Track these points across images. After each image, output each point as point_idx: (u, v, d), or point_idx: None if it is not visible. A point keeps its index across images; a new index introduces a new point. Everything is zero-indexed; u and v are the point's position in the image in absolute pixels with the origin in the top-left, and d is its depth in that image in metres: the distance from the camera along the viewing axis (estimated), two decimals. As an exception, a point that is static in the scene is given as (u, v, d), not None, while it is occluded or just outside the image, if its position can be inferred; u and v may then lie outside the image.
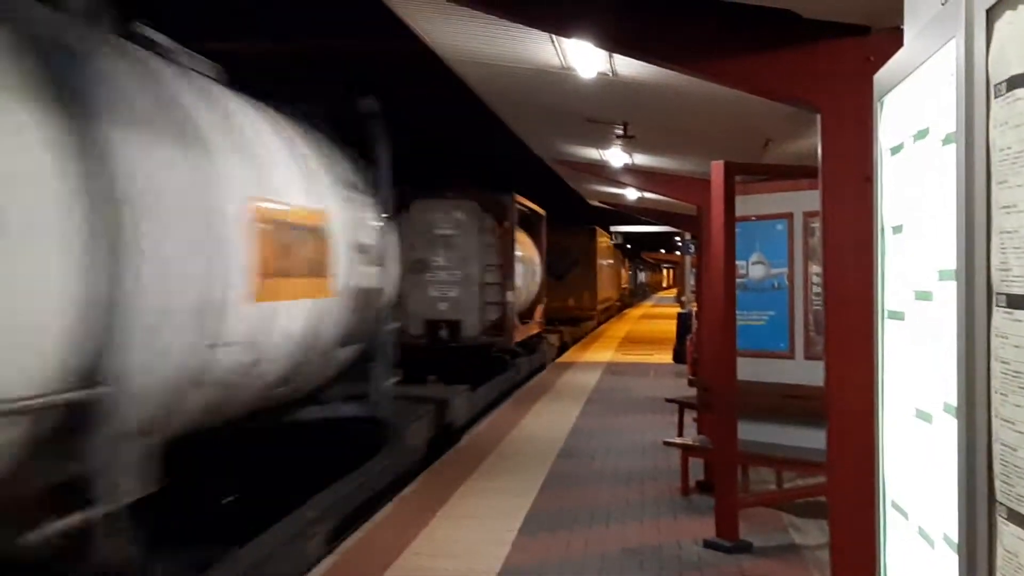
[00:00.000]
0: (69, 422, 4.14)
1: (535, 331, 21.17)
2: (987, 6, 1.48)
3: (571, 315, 28.28)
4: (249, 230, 6.01)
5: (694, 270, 24.14)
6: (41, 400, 3.92)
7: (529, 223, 20.66)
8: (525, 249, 19.64)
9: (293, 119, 8.13)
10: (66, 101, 4.17)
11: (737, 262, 7.65)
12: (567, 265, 27.55)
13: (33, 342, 3.94)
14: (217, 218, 5.64)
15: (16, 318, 3.84)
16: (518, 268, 18.20)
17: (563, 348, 25.87)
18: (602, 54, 7.10)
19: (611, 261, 38.74)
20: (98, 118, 4.35)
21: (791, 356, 8.20)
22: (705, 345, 12.13)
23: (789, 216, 8.20)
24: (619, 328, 37.54)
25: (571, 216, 27.94)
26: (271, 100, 7.79)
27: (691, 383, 12.28)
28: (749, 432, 7.64)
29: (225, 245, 5.71)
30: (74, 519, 4.14)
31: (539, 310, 21.94)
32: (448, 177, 16.20)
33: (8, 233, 3.76)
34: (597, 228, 32.44)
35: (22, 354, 3.89)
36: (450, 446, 11.49)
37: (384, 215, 9.48)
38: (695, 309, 18.86)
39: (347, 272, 8.10)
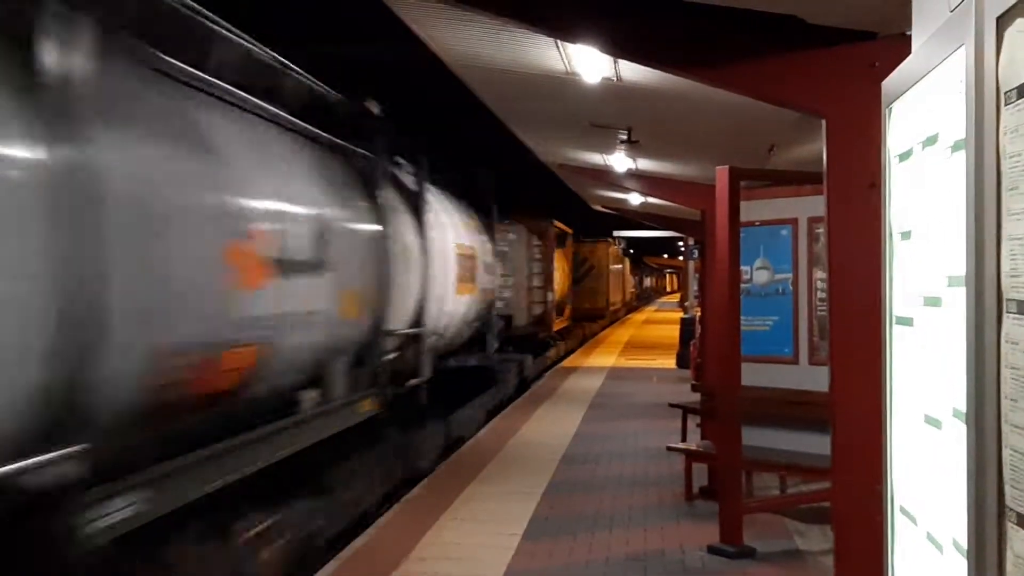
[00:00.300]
0: (410, 342, 9.53)
1: (566, 324, 27.15)
2: (997, 14, 1.48)
3: (588, 314, 32.89)
4: (454, 259, 11.98)
5: (697, 275, 24.21)
6: (405, 331, 9.27)
7: (561, 239, 25.79)
8: (559, 261, 25.03)
9: (453, 190, 13.87)
10: (415, 211, 9.98)
11: (741, 267, 7.65)
12: (584, 272, 32.19)
13: (407, 308, 9.36)
14: (446, 253, 11.52)
15: (405, 301, 9.19)
16: (554, 275, 23.65)
17: (584, 339, 31.83)
18: (606, 59, 7.11)
19: (620, 267, 43.05)
20: (424, 216, 10.19)
21: (795, 361, 8.19)
22: (709, 350, 12.12)
23: (794, 221, 8.19)
24: (622, 333, 37.54)
25: (582, 224, 31.02)
26: (438, 177, 12.69)
27: (695, 388, 12.26)
28: (753, 437, 7.63)
29: (448, 266, 11.59)
30: (415, 381, 9.57)
31: (567, 308, 27.70)
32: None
33: (409, 267, 9.31)
34: (609, 239, 36.19)
35: (403, 313, 9.16)
36: (526, 388, 18.15)
37: (494, 244, 15.68)
38: (698, 314, 18.86)
39: (481, 279, 14.07)
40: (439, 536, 7.59)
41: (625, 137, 10.43)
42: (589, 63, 7.40)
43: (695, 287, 25.76)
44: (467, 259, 12.96)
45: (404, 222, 9.61)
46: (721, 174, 7.20)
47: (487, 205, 15.49)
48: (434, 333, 10.81)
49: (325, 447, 7.21)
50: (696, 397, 11.28)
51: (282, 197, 6.45)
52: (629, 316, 52.30)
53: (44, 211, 3.79)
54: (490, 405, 14.79)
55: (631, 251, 51.56)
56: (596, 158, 13.51)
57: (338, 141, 8.16)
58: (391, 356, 8.91)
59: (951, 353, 1.77)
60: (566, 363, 24.20)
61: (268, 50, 6.84)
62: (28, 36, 3.81)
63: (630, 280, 56.30)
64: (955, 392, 1.73)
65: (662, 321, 43.53)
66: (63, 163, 3.88)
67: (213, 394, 5.43)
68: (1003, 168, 1.49)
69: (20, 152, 3.75)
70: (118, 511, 4.30)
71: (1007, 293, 1.47)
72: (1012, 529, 1.46)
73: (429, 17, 6.92)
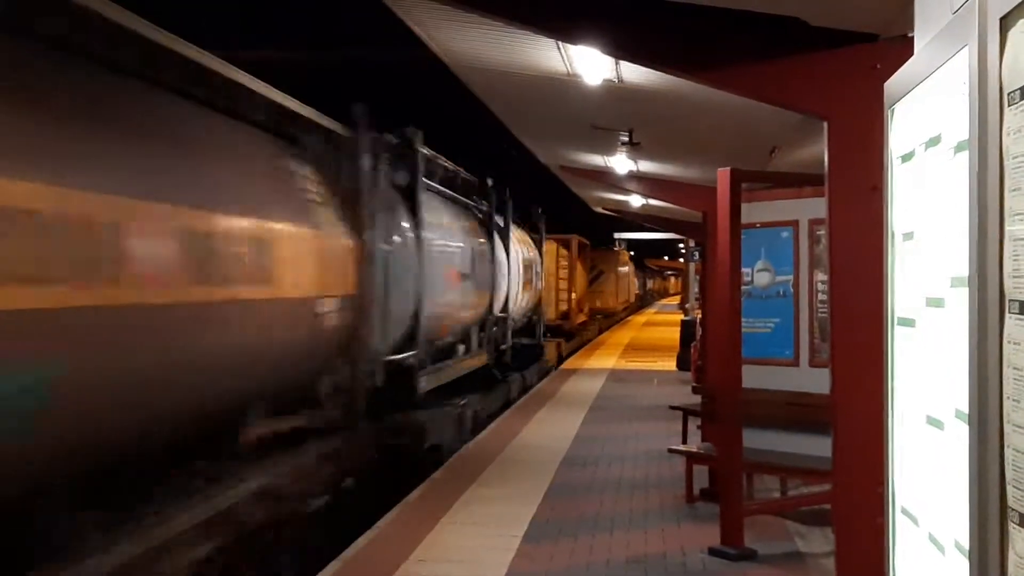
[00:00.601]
0: (500, 322, 15.95)
1: (585, 319, 33.74)
2: (1000, 14, 1.48)
3: (600, 311, 38.93)
4: (522, 269, 18.09)
5: (698, 277, 24.22)
6: (499, 315, 15.77)
7: (580, 249, 32.37)
8: (579, 267, 31.86)
9: (518, 217, 19.44)
10: (503, 238, 16.24)
11: (742, 269, 7.65)
12: (596, 275, 37.84)
13: (500, 301, 15.68)
14: (518, 265, 17.47)
15: (499, 296, 15.62)
16: (576, 279, 30.73)
17: (600, 331, 37.95)
18: (608, 61, 7.11)
19: (626, 270, 48.79)
20: (508, 241, 16.58)
21: (796, 364, 8.19)
22: (710, 352, 12.12)
23: (795, 223, 8.19)
24: (623, 335, 37.55)
25: (586, 227, 35.61)
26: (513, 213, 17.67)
27: (695, 390, 12.26)
28: (754, 440, 7.62)
29: (519, 274, 17.57)
30: (504, 347, 16.40)
31: (586, 307, 34.58)
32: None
33: (501, 275, 15.85)
34: (618, 247, 42.03)
35: (498, 304, 15.51)
36: (562, 362, 24.64)
37: (540, 256, 22.13)
38: (699, 316, 18.86)
39: (533, 283, 20.14)
40: (439, 538, 7.59)
41: (626, 139, 10.43)
42: (590, 65, 7.40)
43: (696, 289, 25.81)
44: (527, 269, 19.34)
45: (499, 246, 15.74)
46: (722, 176, 7.19)
47: (537, 226, 22.52)
48: (511, 318, 16.99)
49: (466, 378, 13.21)
50: (697, 399, 11.27)
51: (460, 239, 12.88)
52: (630, 318, 52.52)
53: (412, 254, 9.85)
54: (542, 371, 21.34)
55: (631, 253, 51.98)
56: (597, 160, 13.52)
57: (475, 204, 14.95)
58: (493, 330, 15.34)
59: (953, 354, 1.77)
60: (566, 365, 24.21)
61: (449, 161, 12.90)
62: (413, 184, 10.32)
63: (634, 283, 60.45)
64: (957, 393, 1.73)
65: (663, 323, 43.49)
66: (416, 234, 10.05)
67: (437, 339, 11.45)
68: (1006, 169, 1.49)
69: (409, 231, 9.91)
70: (423, 384, 10.12)
71: (1009, 294, 1.47)
72: (1014, 529, 1.46)
73: (430, 19, 6.92)
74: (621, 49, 5.70)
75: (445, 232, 11.97)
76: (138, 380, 5.09)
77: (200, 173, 5.92)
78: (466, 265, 12.86)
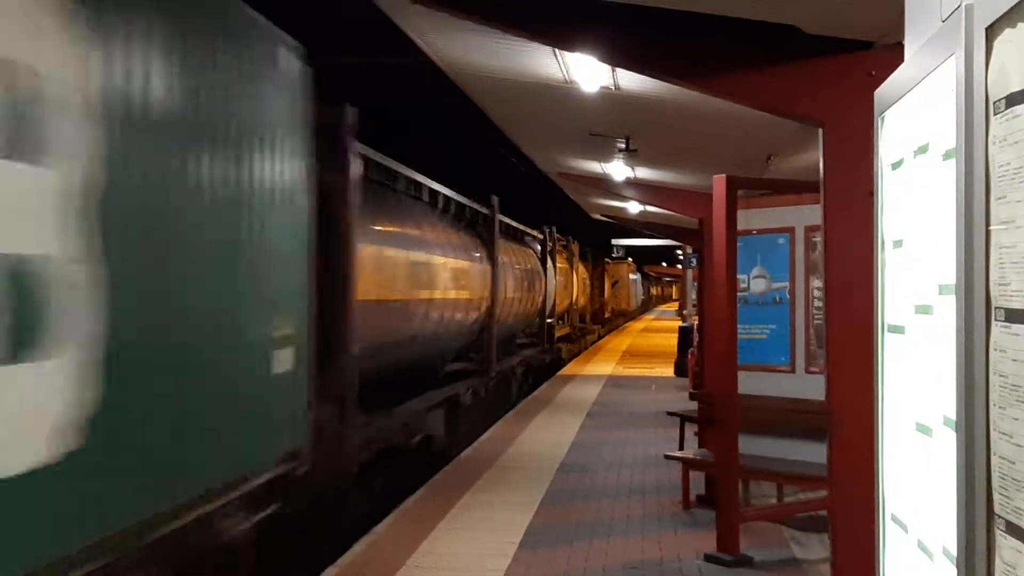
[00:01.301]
0: (572, 311, 32.10)
1: (608, 316, 46.09)
2: (987, 24, 1.49)
3: (617, 312, 50.92)
4: (583, 282, 34.51)
5: (696, 283, 24.21)
6: (572, 307, 31.91)
7: (605, 265, 45.14)
8: (606, 277, 44.72)
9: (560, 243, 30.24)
10: (574, 265, 32.18)
11: (739, 276, 7.66)
12: (615, 283, 48.68)
13: (573, 298, 31.74)
14: (579, 280, 33.20)
15: (572, 298, 31.75)
16: (606, 287, 44.23)
17: (619, 324, 51.16)
18: (605, 68, 7.12)
19: (636, 278, 61.26)
20: (577, 266, 32.67)
21: (792, 370, 8.20)
22: (707, 359, 12.11)
23: (791, 230, 8.21)
24: (621, 341, 37.61)
25: (601, 244, 43.83)
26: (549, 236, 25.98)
27: (692, 397, 12.24)
28: (750, 446, 7.63)
29: (579, 284, 33.31)
30: (575, 323, 33.21)
31: (609, 306, 47.03)
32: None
33: (575, 286, 32.26)
34: (629, 260, 52.41)
35: (573, 301, 32.08)
36: (600, 339, 40.54)
37: (587, 273, 38.45)
38: (696, 323, 18.86)
39: (585, 289, 35.94)
40: (436, 545, 7.59)
41: (623, 146, 10.43)
42: (587, 72, 7.41)
43: (694, 296, 25.83)
44: (582, 281, 32.80)
45: (572, 271, 29.95)
46: (718, 183, 7.20)
47: (585, 253, 34.19)
48: (576, 309, 31.75)
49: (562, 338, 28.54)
50: (694, 405, 11.27)
51: (563, 270, 28.11)
52: (627, 325, 53.08)
53: (553, 278, 24.80)
54: (591, 342, 35.19)
55: (629, 258, 52.60)
56: (594, 166, 13.52)
57: (565, 249, 29.04)
58: (571, 314, 30.89)
59: (941, 361, 1.77)
60: (564, 371, 24.27)
61: (557, 233, 26.34)
62: (552, 249, 25.51)
63: (640, 289, 71.32)
64: (945, 400, 1.74)
65: (661, 329, 43.52)
66: (554, 270, 25.28)
67: (556, 315, 26.38)
68: (992, 177, 1.49)
69: (551, 269, 24.73)
70: (555, 334, 26.08)
71: (996, 301, 1.48)
72: (1001, 536, 1.46)
73: (428, 26, 6.93)
74: (618, 57, 5.72)
75: (560, 268, 25.99)
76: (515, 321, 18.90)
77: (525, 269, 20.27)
78: (564, 282, 27.13)
